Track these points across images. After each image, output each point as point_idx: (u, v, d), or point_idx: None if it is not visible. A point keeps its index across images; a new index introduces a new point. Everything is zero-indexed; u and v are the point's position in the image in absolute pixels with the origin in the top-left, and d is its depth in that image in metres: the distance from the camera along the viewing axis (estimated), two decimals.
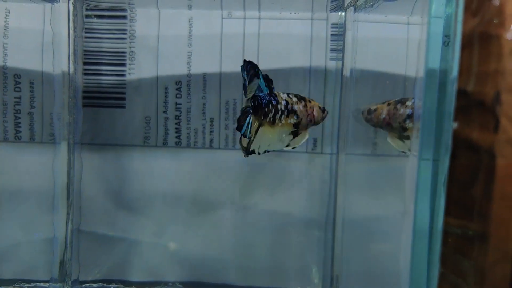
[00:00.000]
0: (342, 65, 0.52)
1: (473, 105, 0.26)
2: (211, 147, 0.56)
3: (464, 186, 0.27)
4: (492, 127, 0.25)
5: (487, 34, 0.25)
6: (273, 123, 0.43)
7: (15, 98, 0.54)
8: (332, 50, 0.54)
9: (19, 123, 0.54)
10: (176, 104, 0.55)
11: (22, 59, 0.53)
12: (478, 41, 0.26)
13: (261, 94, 0.41)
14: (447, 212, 0.28)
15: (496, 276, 0.25)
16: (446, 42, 0.31)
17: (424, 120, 0.30)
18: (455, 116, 0.27)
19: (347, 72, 0.52)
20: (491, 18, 0.25)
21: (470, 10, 0.26)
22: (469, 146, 0.26)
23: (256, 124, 0.41)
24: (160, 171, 0.56)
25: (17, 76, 0.54)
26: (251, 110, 0.39)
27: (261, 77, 0.40)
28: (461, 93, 0.27)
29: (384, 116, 0.45)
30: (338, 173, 0.54)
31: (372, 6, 0.45)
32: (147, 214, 0.56)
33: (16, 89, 0.54)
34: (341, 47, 0.53)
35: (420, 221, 0.31)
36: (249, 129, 0.39)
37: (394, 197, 0.53)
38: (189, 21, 0.54)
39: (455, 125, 0.27)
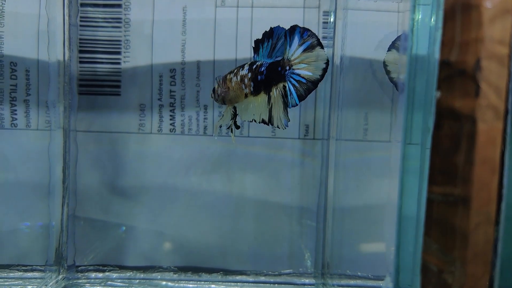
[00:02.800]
0: (333, 52, 0.53)
1: (456, 74, 0.27)
2: (205, 134, 0.56)
3: (448, 153, 0.27)
4: (473, 93, 0.25)
5: (468, 4, 0.26)
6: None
7: (11, 85, 0.54)
8: (323, 37, 0.55)
9: (15, 110, 0.55)
10: (171, 91, 0.56)
11: (18, 46, 0.54)
12: (460, 13, 0.27)
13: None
14: (431, 180, 0.29)
15: (479, 239, 0.26)
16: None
17: (408, 101, 0.31)
18: (438, 85, 0.28)
19: (337, 59, 0.52)
20: None
21: None
22: (452, 114, 0.27)
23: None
24: (154, 157, 0.57)
25: (13, 64, 0.54)
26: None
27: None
28: (445, 64, 0.27)
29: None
30: (329, 159, 0.55)
31: None
32: (142, 200, 0.56)
33: (12, 76, 0.54)
34: (332, 34, 0.54)
35: (406, 192, 0.32)
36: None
37: (384, 182, 0.54)
38: (183, 9, 0.55)
39: (438, 94, 0.28)
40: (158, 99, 0.56)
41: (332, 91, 0.54)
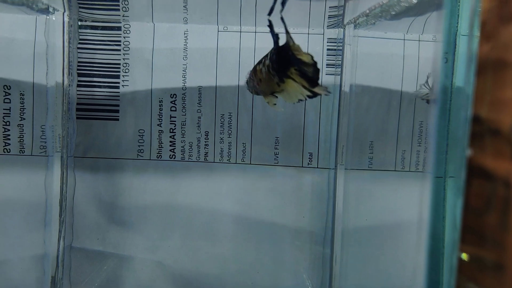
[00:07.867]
0: (341, 80, 0.52)
1: (487, 132, 0.26)
2: (205, 160, 0.55)
3: (477, 213, 0.26)
4: (509, 155, 0.24)
5: (502, 61, 0.25)
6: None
7: (4, 109, 0.52)
8: (328, 65, 0.54)
9: (8, 135, 0.52)
10: (171, 117, 0.54)
11: (12, 70, 0.52)
12: (492, 67, 0.26)
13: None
14: (460, 239, 0.28)
15: None
16: (446, 59, 0.31)
17: (437, 143, 0.30)
18: (469, 142, 0.27)
19: (345, 87, 0.51)
20: (506, 43, 0.25)
21: (484, 33, 0.26)
22: (483, 173, 0.26)
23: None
24: (153, 185, 0.55)
25: (7, 87, 0.52)
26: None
27: None
28: (475, 119, 0.26)
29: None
30: (336, 188, 0.54)
31: (374, 24, 0.45)
32: (140, 229, 0.55)
33: (6, 100, 0.52)
34: (339, 61, 0.53)
35: (436, 243, 0.31)
36: None
37: (392, 212, 0.53)
38: (185, 34, 0.54)
39: (469, 151, 0.26)
40: (158, 125, 0.54)
41: (339, 119, 0.53)
